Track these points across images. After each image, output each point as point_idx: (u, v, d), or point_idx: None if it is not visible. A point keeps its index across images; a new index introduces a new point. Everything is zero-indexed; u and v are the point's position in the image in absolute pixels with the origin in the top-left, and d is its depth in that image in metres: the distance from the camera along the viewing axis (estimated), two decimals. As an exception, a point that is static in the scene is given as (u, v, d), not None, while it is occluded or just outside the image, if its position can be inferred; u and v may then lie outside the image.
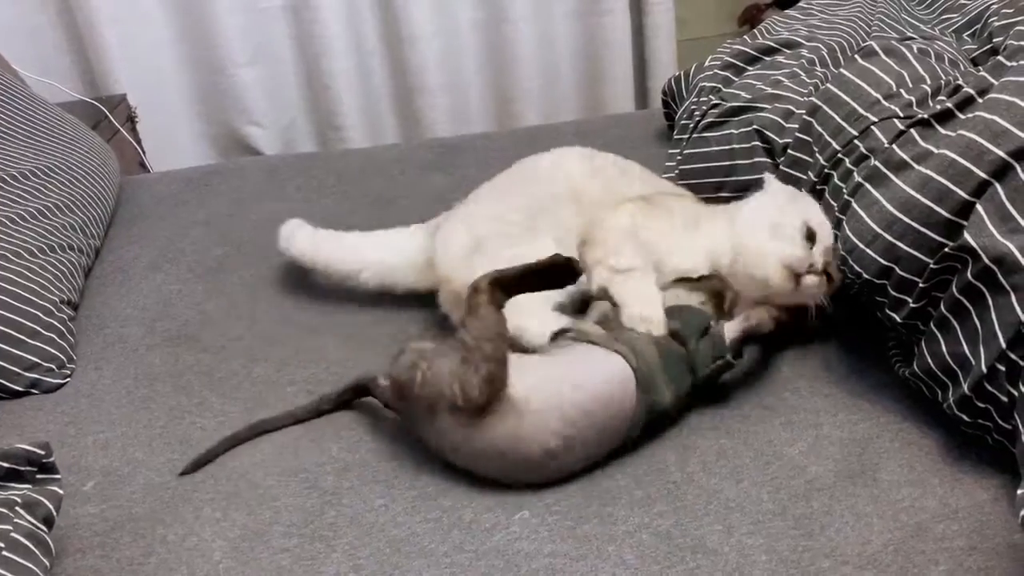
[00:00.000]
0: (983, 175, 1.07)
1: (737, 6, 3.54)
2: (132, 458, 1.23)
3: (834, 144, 1.31)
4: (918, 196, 1.12)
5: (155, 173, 2.48)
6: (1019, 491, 0.80)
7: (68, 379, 1.41)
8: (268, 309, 1.56)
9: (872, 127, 1.25)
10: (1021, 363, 0.99)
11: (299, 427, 1.26)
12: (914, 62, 1.35)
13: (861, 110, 1.29)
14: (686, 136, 1.70)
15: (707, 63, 1.83)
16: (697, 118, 1.68)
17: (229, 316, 1.55)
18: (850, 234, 1.18)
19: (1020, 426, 0.97)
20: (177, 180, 2.14)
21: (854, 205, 1.20)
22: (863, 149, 1.25)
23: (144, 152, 2.65)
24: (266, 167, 2.19)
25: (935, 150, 1.13)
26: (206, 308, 1.58)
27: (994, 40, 1.49)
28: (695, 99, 1.74)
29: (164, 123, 2.80)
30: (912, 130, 1.19)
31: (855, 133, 1.28)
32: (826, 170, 1.32)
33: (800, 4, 2.00)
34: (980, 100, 1.14)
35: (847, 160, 1.28)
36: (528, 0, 2.89)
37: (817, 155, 1.36)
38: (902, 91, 1.29)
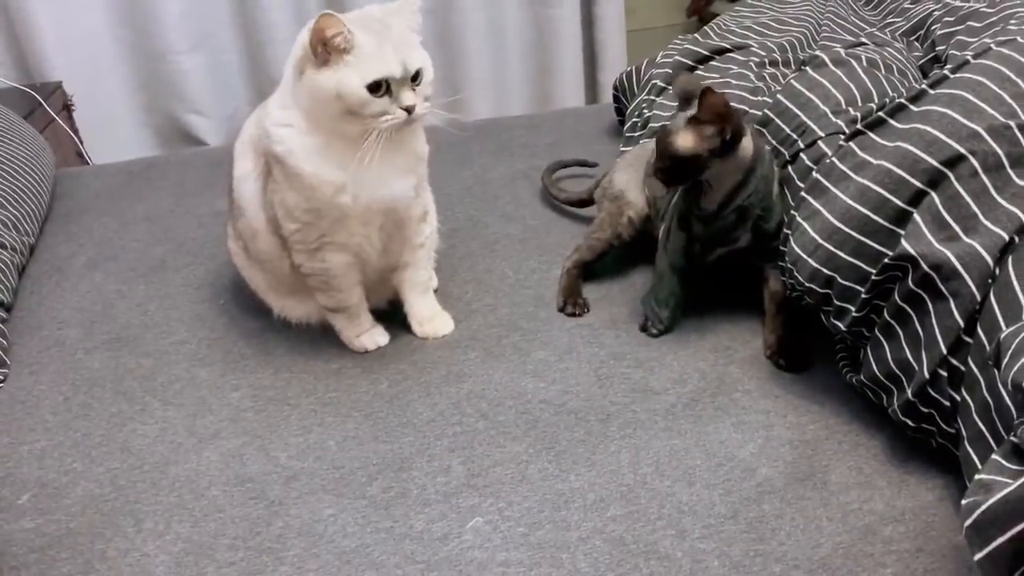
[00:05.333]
0: (919, 184, 1.09)
1: (685, -3, 3.55)
2: (70, 468, 1.19)
3: (785, 155, 1.33)
4: (857, 206, 1.13)
5: (93, 166, 2.41)
6: (963, 501, 0.81)
7: (2, 385, 1.36)
8: (212, 311, 1.52)
9: (819, 141, 1.27)
10: (962, 368, 1.01)
11: (245, 434, 1.23)
12: (862, 75, 1.37)
13: (810, 122, 1.31)
14: (636, 134, 1.69)
15: (659, 59, 1.83)
16: (647, 116, 1.68)
17: (171, 318, 1.51)
18: (795, 246, 1.20)
19: (962, 430, 0.99)
20: (117, 173, 2.08)
21: (798, 218, 1.21)
22: (808, 162, 1.27)
23: (82, 142, 2.57)
24: (209, 159, 2.14)
25: (873, 161, 1.15)
26: (148, 309, 1.54)
27: (937, 48, 1.51)
28: (646, 97, 1.74)
29: (102, 112, 2.71)
30: (852, 142, 1.20)
31: (802, 146, 1.29)
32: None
33: (750, 0, 2.01)
34: (916, 110, 1.16)
35: (793, 172, 1.29)
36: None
37: None
38: (850, 108, 1.31)
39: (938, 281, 1.03)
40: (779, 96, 1.38)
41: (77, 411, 1.30)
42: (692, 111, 1.23)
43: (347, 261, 1.35)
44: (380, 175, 1.27)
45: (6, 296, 1.52)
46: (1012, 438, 0.83)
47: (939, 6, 1.65)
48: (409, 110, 1.23)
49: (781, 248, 1.27)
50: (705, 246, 1.34)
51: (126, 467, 1.19)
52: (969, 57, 1.19)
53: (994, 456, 0.84)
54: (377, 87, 1.20)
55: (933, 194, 1.08)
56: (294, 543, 1.05)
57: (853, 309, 1.14)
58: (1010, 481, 0.78)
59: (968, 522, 0.79)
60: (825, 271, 1.16)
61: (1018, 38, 1.19)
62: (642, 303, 1.42)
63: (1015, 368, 0.85)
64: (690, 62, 1.71)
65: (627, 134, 1.81)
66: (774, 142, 1.37)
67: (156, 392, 1.33)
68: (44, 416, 1.30)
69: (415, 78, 1.24)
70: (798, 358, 1.29)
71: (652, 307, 1.39)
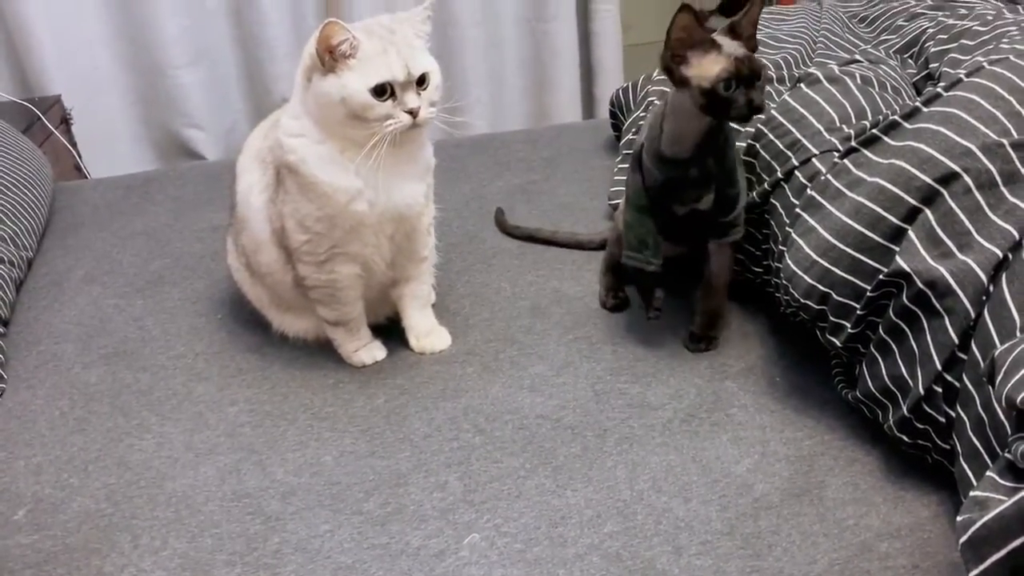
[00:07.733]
0: (913, 201, 1.09)
1: (682, 13, 3.58)
2: (66, 483, 1.19)
3: (779, 172, 1.33)
4: (852, 222, 1.14)
5: (92, 180, 2.41)
6: (959, 517, 0.81)
7: (-2, 399, 1.36)
8: (209, 325, 1.52)
9: (813, 159, 1.28)
10: (957, 384, 1.01)
11: (242, 449, 1.23)
12: (856, 93, 1.38)
13: (804, 140, 1.32)
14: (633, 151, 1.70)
15: (655, 75, 1.84)
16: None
17: (169, 332, 1.51)
18: (790, 262, 1.20)
19: (958, 447, 1.00)
20: (115, 187, 2.08)
21: (793, 235, 1.22)
22: (802, 179, 1.27)
23: (80, 156, 2.57)
24: (207, 173, 2.14)
25: (867, 178, 1.16)
26: (145, 324, 1.54)
27: (930, 66, 1.52)
28: (643, 113, 1.75)
29: (101, 126, 2.71)
30: (847, 160, 1.21)
31: (796, 163, 1.30)
32: (770, 197, 1.35)
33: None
34: (910, 127, 1.17)
35: (788, 188, 1.30)
36: (475, 5, 2.88)
37: (762, 175, 1.38)
38: (844, 126, 1.31)
39: (932, 298, 1.03)
40: (773, 112, 1.38)
41: (74, 426, 1.30)
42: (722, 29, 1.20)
43: (355, 273, 1.35)
44: (392, 182, 1.28)
45: (3, 310, 1.51)
46: (1007, 455, 0.83)
47: (933, 24, 1.66)
48: (413, 113, 1.23)
49: (775, 264, 1.27)
50: (666, 197, 1.31)
51: (123, 482, 1.18)
52: (962, 75, 1.20)
53: (989, 473, 0.84)
54: (382, 91, 1.21)
55: (927, 211, 1.08)
56: (291, 559, 1.05)
57: (848, 325, 1.14)
58: (1005, 498, 0.78)
59: (963, 539, 0.79)
60: (820, 287, 1.16)
61: (1011, 56, 1.20)
62: (624, 262, 1.38)
63: (1009, 385, 0.85)
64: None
65: (623, 150, 1.82)
66: (767, 157, 1.37)
67: (153, 407, 1.33)
68: (41, 431, 1.29)
69: (421, 83, 1.25)
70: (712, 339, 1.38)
71: (633, 257, 1.36)
